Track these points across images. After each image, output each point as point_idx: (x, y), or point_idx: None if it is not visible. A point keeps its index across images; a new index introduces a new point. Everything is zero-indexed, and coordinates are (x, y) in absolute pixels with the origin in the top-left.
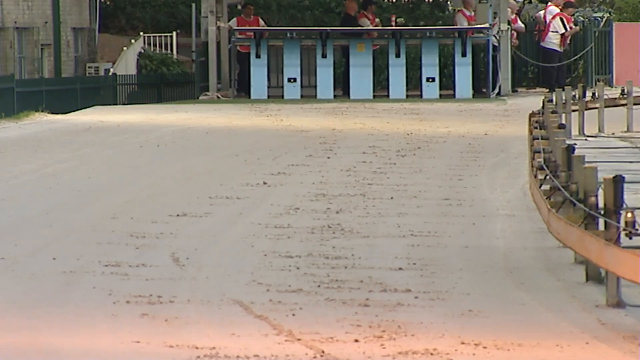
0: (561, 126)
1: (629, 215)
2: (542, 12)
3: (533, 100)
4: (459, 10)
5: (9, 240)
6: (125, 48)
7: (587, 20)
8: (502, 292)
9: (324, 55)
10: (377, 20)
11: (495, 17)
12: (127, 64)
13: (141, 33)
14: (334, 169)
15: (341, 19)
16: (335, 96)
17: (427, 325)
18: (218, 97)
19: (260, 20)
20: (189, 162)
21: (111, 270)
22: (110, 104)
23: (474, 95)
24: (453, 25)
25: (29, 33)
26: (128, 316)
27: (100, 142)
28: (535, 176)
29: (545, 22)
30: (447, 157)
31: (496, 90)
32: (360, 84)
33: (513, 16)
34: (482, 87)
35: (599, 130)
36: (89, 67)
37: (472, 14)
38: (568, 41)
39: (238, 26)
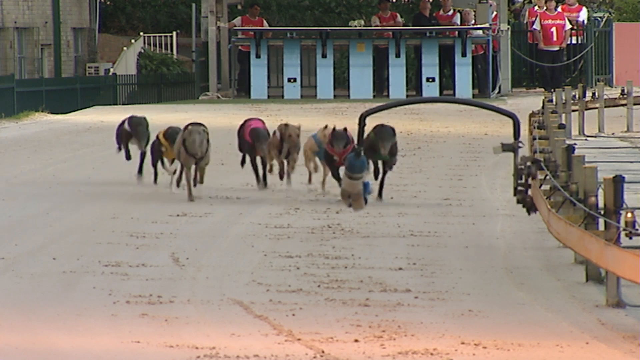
0: (561, 126)
1: (629, 215)
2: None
3: (533, 100)
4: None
5: (9, 240)
6: (125, 48)
7: (587, 20)
8: (502, 292)
9: (324, 55)
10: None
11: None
12: (127, 64)
13: (141, 33)
14: None
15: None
16: (335, 96)
17: (427, 325)
18: (218, 97)
19: (265, 22)
20: None
21: (111, 270)
22: (110, 104)
23: (474, 95)
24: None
25: (29, 33)
26: (128, 316)
27: (100, 142)
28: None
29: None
30: (447, 157)
31: (496, 90)
32: (360, 84)
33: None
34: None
35: (599, 130)
36: (89, 67)
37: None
38: (560, 39)
39: (242, 25)
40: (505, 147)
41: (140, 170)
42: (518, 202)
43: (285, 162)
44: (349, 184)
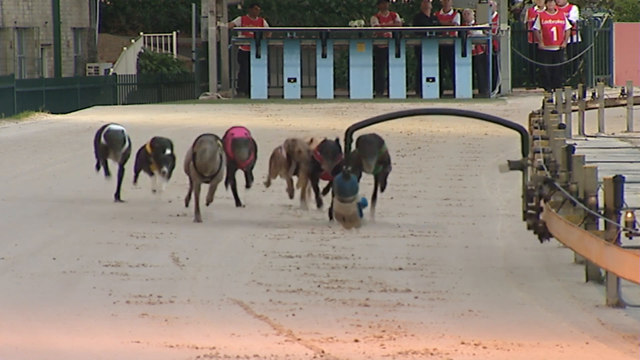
0: (561, 126)
1: (629, 215)
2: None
3: (533, 100)
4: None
5: (9, 240)
6: (125, 48)
7: (587, 20)
8: (502, 292)
9: (324, 55)
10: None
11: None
12: (127, 64)
13: (141, 33)
14: None
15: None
16: (335, 96)
17: (427, 325)
18: (218, 97)
19: (265, 22)
20: None
21: (111, 270)
22: (110, 104)
23: (474, 95)
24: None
25: (29, 33)
26: (128, 316)
27: None
28: None
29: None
30: (447, 157)
31: (496, 90)
32: (360, 84)
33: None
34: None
35: (599, 130)
36: (89, 67)
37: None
38: (560, 39)
39: (242, 25)
40: (513, 165)
41: (118, 194)
42: (529, 227)
43: (293, 180)
44: (342, 207)
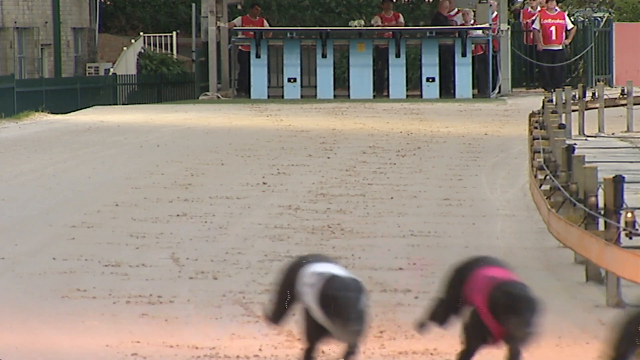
0: (561, 126)
1: (629, 215)
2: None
3: (533, 100)
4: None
5: (9, 240)
6: (125, 48)
7: (587, 20)
8: None
9: (324, 55)
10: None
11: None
12: (127, 64)
13: (141, 33)
14: (333, 169)
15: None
16: (335, 96)
17: None
18: (218, 97)
19: (265, 22)
20: (189, 162)
21: (111, 270)
22: (110, 104)
23: (474, 95)
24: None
25: (29, 33)
26: (128, 316)
27: (100, 142)
28: (535, 176)
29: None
30: (447, 157)
31: (496, 90)
32: (360, 84)
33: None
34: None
35: (599, 130)
36: (89, 67)
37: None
38: (564, 39)
39: (242, 25)
40: None
41: None
42: None
43: None
44: None
